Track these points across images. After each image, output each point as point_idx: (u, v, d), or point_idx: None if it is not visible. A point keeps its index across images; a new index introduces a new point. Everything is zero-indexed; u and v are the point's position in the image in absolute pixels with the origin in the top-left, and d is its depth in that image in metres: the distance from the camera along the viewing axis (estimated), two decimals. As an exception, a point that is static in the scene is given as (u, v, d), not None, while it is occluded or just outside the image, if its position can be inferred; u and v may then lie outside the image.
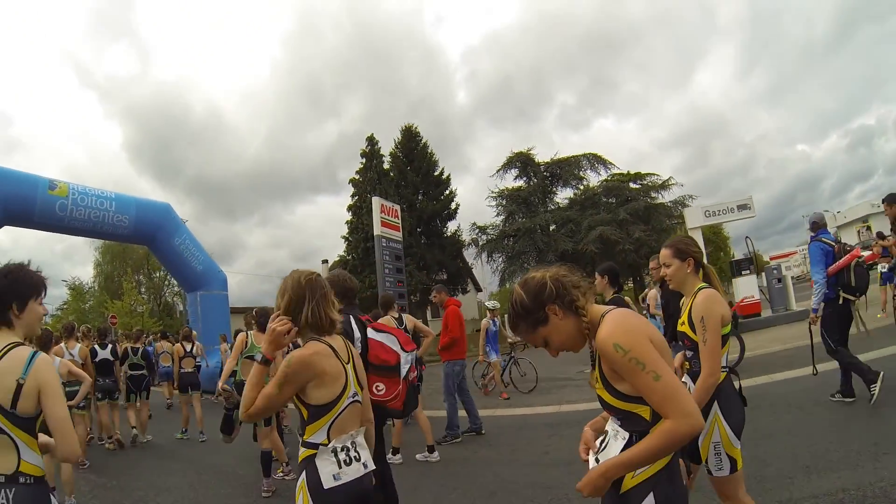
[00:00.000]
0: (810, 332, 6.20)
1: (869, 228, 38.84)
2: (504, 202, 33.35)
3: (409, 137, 34.35)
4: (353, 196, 34.05)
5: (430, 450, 6.45)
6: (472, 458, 6.31)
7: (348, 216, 34.17)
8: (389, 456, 6.41)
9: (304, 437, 2.23)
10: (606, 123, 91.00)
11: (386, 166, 33.87)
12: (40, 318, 2.25)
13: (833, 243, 6.05)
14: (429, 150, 34.53)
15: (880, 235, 9.47)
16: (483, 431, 7.40)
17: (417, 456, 6.44)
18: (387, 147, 34.59)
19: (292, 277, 2.35)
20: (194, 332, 11.27)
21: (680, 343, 2.93)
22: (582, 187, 33.39)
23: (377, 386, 3.51)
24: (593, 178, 33.34)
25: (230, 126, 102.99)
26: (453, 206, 34.29)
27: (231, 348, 13.34)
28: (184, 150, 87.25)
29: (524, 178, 33.74)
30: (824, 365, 6.33)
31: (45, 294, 2.27)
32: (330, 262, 45.09)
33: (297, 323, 2.25)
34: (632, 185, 32.50)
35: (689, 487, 2.61)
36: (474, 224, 33.68)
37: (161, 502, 5.72)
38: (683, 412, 1.52)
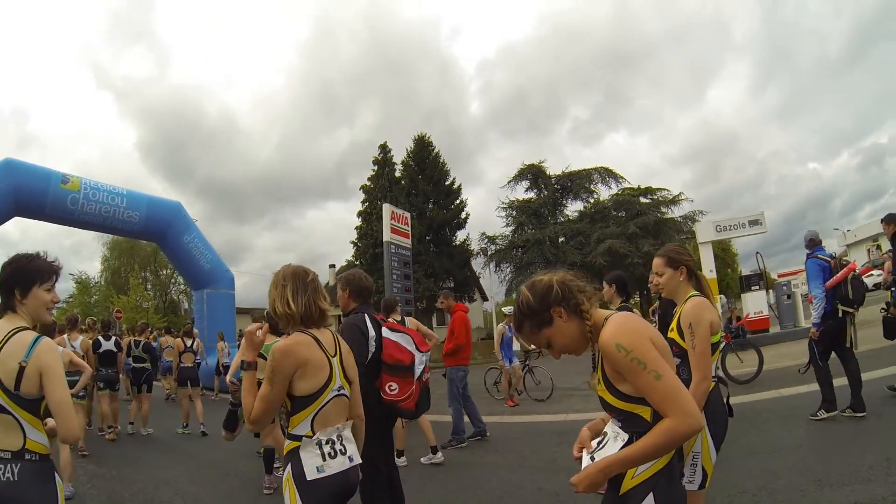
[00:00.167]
0: (811, 347, 6.22)
1: (879, 247, 38.61)
2: (514, 213, 33.37)
3: (422, 147, 34.42)
4: (363, 202, 34.07)
5: (434, 451, 6.37)
6: (478, 463, 6.22)
7: (358, 222, 34.22)
8: (429, 456, 6.38)
9: (289, 428, 2.23)
10: (618, 138, 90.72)
11: (397, 174, 33.92)
12: (47, 305, 2.27)
13: (829, 259, 6.22)
14: (441, 160, 34.58)
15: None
16: (487, 434, 7.31)
17: (422, 459, 6.33)
18: (399, 156, 34.71)
19: (284, 270, 2.37)
20: (195, 330, 11.32)
21: None
22: (592, 200, 33.40)
23: (390, 385, 3.46)
24: (604, 192, 33.40)
25: (243, 130, 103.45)
26: (463, 215, 34.26)
27: (229, 347, 13.35)
28: (196, 152, 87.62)
29: (535, 190, 33.79)
30: (836, 381, 6.23)
31: (54, 281, 2.29)
32: (337, 267, 45.25)
33: (289, 313, 2.26)
34: (642, 199, 32.46)
35: None
36: (483, 234, 33.75)
37: (160, 496, 5.63)
38: (684, 411, 1.53)
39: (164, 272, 44.85)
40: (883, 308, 6.63)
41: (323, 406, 2.21)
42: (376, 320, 3.63)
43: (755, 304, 16.30)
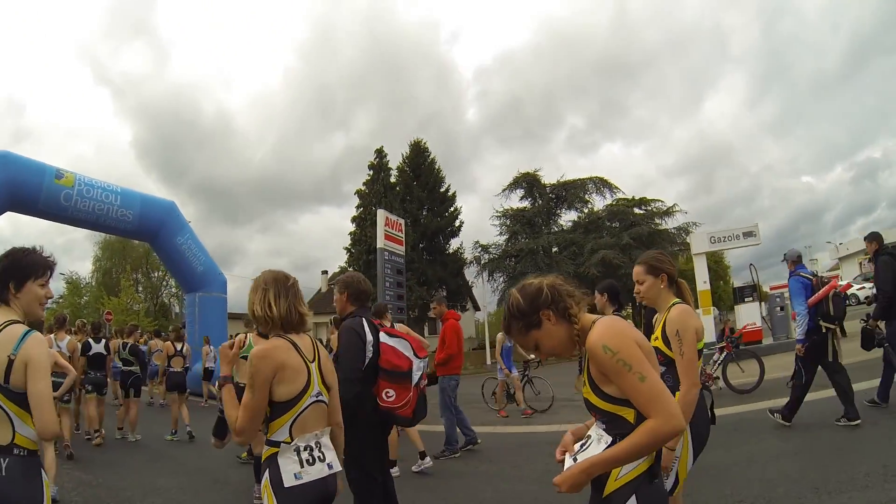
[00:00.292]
0: (797, 362, 6.43)
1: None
2: (508, 222, 33.41)
3: (418, 152, 34.35)
4: (357, 207, 34.03)
5: (422, 456, 6.31)
6: (471, 473, 6.15)
7: (352, 227, 34.11)
8: (418, 464, 6.30)
9: (267, 434, 2.23)
10: (614, 148, 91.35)
11: (393, 180, 33.88)
12: (40, 300, 2.29)
13: (810, 277, 6.51)
14: (436, 166, 34.49)
15: None
16: (479, 441, 7.25)
17: (413, 468, 6.25)
18: (394, 161, 34.69)
19: (265, 275, 2.40)
20: (185, 333, 11.19)
21: None
22: (586, 210, 33.46)
23: (387, 392, 3.39)
24: (598, 202, 33.47)
25: (239, 131, 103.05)
26: (457, 223, 34.16)
27: (215, 351, 13.21)
28: (191, 152, 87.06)
29: (529, 199, 33.82)
30: (829, 391, 6.47)
31: (48, 276, 2.32)
32: (330, 273, 45.11)
33: (270, 316, 2.28)
34: (636, 210, 32.57)
35: None
36: (477, 242, 33.67)
37: None
38: (667, 412, 1.57)
39: (156, 274, 44.59)
40: (863, 319, 6.79)
41: (301, 412, 2.22)
42: (374, 325, 3.56)
43: (748, 315, 16.32)
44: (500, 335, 10.43)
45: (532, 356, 10.64)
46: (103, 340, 8.89)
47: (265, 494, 2.19)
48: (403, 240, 17.31)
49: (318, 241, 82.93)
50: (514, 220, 33.13)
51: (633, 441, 1.60)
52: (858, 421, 5.87)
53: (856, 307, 20.90)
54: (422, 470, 6.21)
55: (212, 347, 14.05)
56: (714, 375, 9.45)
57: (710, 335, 15.04)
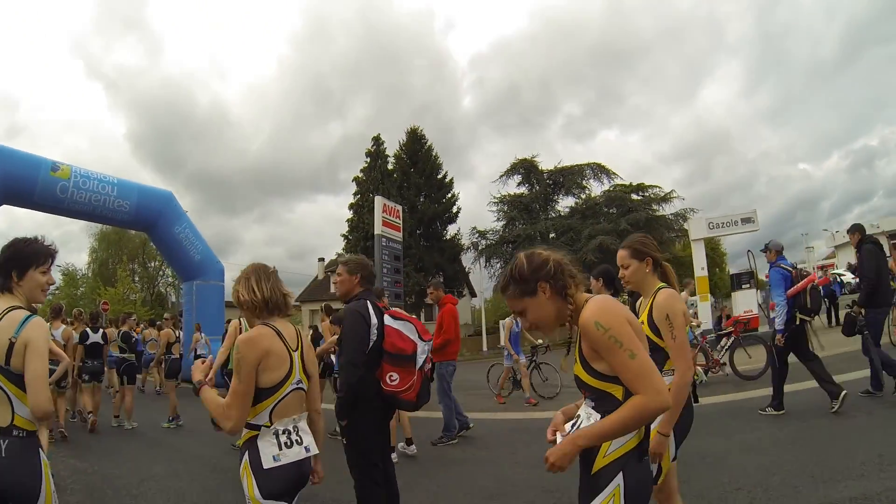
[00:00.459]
0: (773, 352, 6.73)
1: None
2: (505, 208, 33.30)
3: (415, 139, 34.21)
4: (355, 195, 33.96)
5: (409, 442, 6.38)
6: (469, 460, 6.14)
7: (349, 214, 34.09)
8: (403, 445, 6.36)
9: (248, 418, 2.28)
10: (610, 135, 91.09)
11: (390, 167, 33.81)
12: (42, 287, 2.38)
13: (791, 269, 6.69)
14: (433, 153, 34.35)
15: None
16: (472, 425, 7.26)
17: (399, 446, 6.33)
18: (391, 149, 34.61)
19: (248, 266, 2.54)
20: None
21: None
22: (584, 196, 33.34)
23: (391, 376, 3.35)
24: (596, 188, 33.34)
25: (234, 122, 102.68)
26: (455, 209, 34.13)
27: (206, 338, 13.12)
28: (187, 143, 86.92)
29: (527, 185, 33.71)
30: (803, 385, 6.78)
31: (50, 264, 2.41)
32: (327, 261, 45.04)
33: (254, 299, 2.37)
34: (634, 196, 32.41)
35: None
36: (474, 228, 33.60)
37: (145, 491, 5.48)
38: (655, 389, 1.61)
39: (153, 264, 44.52)
40: (848, 305, 6.98)
41: (282, 398, 2.29)
42: (378, 308, 3.52)
43: (745, 302, 16.32)
44: (507, 320, 10.17)
45: (540, 341, 10.61)
46: (101, 330, 8.92)
47: (244, 476, 2.25)
48: (401, 226, 17.29)
49: (314, 230, 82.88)
50: (512, 206, 33.03)
51: (621, 415, 1.64)
52: (844, 392, 6.09)
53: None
54: (405, 453, 6.31)
55: (202, 334, 14.01)
56: (721, 361, 9.42)
57: (706, 321, 15.09)
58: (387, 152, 34.12)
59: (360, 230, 31.50)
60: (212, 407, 2.27)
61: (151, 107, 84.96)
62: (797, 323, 6.46)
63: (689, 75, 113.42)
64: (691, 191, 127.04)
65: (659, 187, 32.33)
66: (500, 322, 28.73)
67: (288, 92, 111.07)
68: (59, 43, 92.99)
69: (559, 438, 1.85)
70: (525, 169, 33.07)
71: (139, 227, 17.10)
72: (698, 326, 10.66)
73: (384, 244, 15.65)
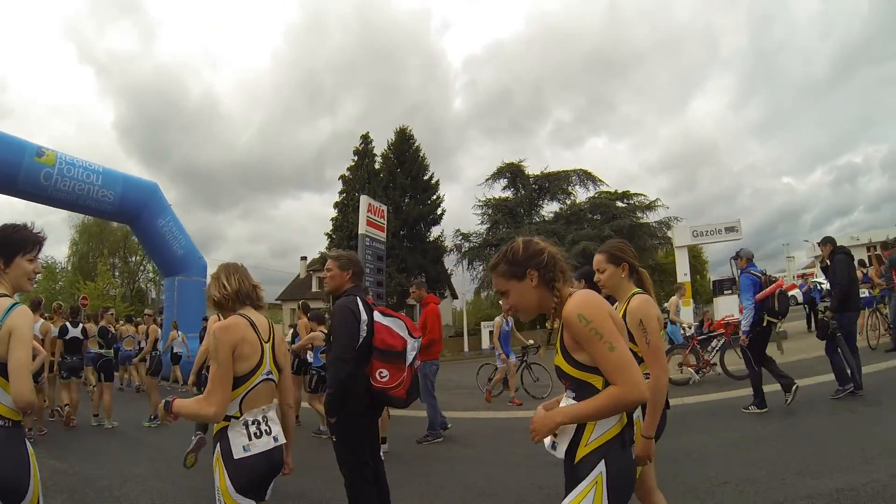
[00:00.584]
0: (745, 352, 7.06)
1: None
2: (490, 211, 33.41)
3: (403, 139, 34.22)
4: (341, 193, 33.82)
5: (383, 440, 6.31)
6: (455, 458, 6.14)
7: (333, 213, 33.97)
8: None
9: None
10: (599, 143, 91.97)
11: (377, 167, 33.71)
12: (28, 275, 2.34)
13: (760, 275, 7.05)
14: (420, 154, 34.42)
15: (866, 262, 10.08)
16: (449, 426, 7.26)
17: None
18: (379, 148, 34.55)
19: (218, 267, 2.63)
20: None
21: None
22: (569, 202, 33.54)
23: (381, 372, 3.32)
24: (581, 194, 33.57)
25: (224, 114, 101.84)
26: (439, 211, 34.19)
27: (183, 336, 12.91)
28: (175, 134, 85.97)
29: (512, 189, 33.85)
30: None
31: (37, 251, 2.37)
32: (309, 259, 44.76)
33: (226, 293, 2.48)
34: (619, 203, 32.66)
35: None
36: (458, 231, 33.67)
37: (127, 492, 5.34)
38: (631, 382, 1.66)
39: (134, 259, 44.01)
40: (821, 311, 7.36)
41: (252, 388, 2.35)
42: (368, 304, 3.48)
43: (727, 307, 16.53)
44: (497, 318, 10.06)
45: (531, 341, 10.56)
46: (80, 325, 8.76)
47: (216, 467, 2.29)
48: (385, 227, 17.19)
49: (297, 228, 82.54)
50: (497, 209, 33.15)
51: (596, 403, 1.71)
52: (796, 385, 6.56)
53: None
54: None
55: (179, 332, 13.83)
56: (712, 362, 9.52)
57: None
58: (374, 151, 34.06)
59: (344, 229, 31.37)
60: (190, 407, 2.30)
61: (142, 95, 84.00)
62: (765, 324, 6.85)
63: (681, 87, 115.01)
64: (676, 200, 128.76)
65: (644, 195, 32.70)
66: (482, 324, 28.84)
67: (280, 86, 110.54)
68: (52, 24, 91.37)
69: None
70: (511, 173, 33.22)
71: (122, 218, 16.81)
72: (690, 328, 10.77)
73: (368, 244, 15.53)
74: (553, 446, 1.87)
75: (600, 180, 33.11)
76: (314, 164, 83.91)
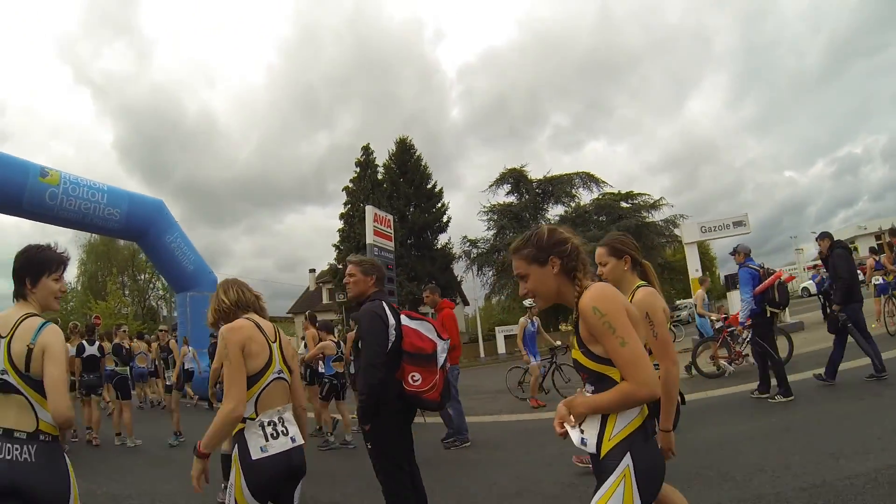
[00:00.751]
0: (756, 344, 7.33)
1: (856, 249, 39.80)
2: (495, 217, 33.44)
3: (404, 149, 34.36)
4: (345, 204, 33.90)
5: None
6: (485, 462, 6.10)
7: (338, 225, 34.08)
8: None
9: None
10: (598, 146, 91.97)
11: (380, 177, 33.79)
12: (55, 293, 2.42)
13: (758, 268, 7.42)
14: (422, 163, 34.57)
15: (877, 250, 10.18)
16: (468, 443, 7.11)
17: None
18: (380, 159, 34.69)
19: (218, 284, 2.77)
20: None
21: None
22: (573, 205, 33.53)
23: (413, 376, 3.26)
24: (585, 197, 33.57)
25: (223, 132, 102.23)
26: (445, 218, 34.26)
27: (194, 352, 12.90)
28: (175, 152, 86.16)
29: (516, 195, 33.89)
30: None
31: (62, 271, 2.45)
32: (318, 272, 44.84)
33: (225, 306, 2.60)
34: (623, 204, 32.73)
35: None
36: (465, 237, 33.69)
37: (156, 511, 5.30)
38: (640, 380, 1.67)
39: (143, 277, 44.10)
40: (827, 304, 7.39)
41: (265, 387, 2.41)
42: (394, 308, 3.44)
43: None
44: (522, 319, 9.77)
45: (559, 343, 10.41)
46: (97, 342, 8.78)
47: (234, 468, 2.32)
48: (392, 236, 17.21)
49: (303, 241, 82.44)
50: (502, 214, 33.18)
51: (610, 396, 1.74)
52: (792, 397, 6.63)
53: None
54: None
55: (190, 348, 13.81)
56: (744, 353, 9.48)
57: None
58: (376, 162, 34.17)
59: (351, 240, 31.40)
60: (212, 429, 2.29)
61: (140, 114, 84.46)
62: (767, 315, 7.17)
63: (677, 87, 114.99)
64: (679, 199, 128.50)
65: (648, 195, 32.80)
66: (497, 328, 28.78)
67: (277, 101, 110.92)
68: (46, 47, 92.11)
69: (568, 429, 1.88)
70: (514, 178, 33.27)
71: (130, 236, 16.74)
72: (719, 321, 10.71)
73: (376, 253, 15.53)
74: (583, 441, 1.85)
75: (603, 181, 33.20)
76: (315, 178, 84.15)
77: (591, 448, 1.81)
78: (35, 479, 2.10)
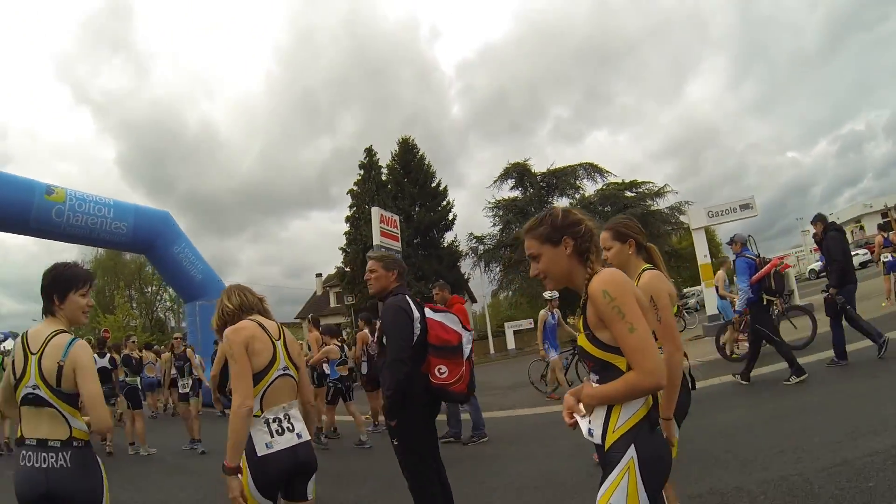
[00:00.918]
0: (754, 332, 7.38)
1: (862, 228, 39.63)
2: (501, 212, 33.25)
3: (407, 149, 34.28)
4: (351, 207, 33.84)
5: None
6: (504, 456, 6.09)
7: (343, 229, 34.02)
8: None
9: None
10: (600, 136, 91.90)
11: (384, 178, 33.76)
12: (82, 309, 2.51)
13: (754, 258, 7.67)
14: (426, 162, 34.45)
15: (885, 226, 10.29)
16: (460, 439, 7.09)
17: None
18: (383, 160, 34.57)
19: (222, 292, 2.82)
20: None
21: None
22: (578, 196, 33.37)
23: (439, 369, 3.23)
24: (589, 188, 33.37)
25: (224, 142, 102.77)
26: (450, 216, 34.16)
27: (202, 361, 12.88)
28: (177, 165, 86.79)
29: (521, 189, 33.72)
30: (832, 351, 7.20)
31: (88, 286, 2.54)
32: (325, 276, 44.89)
33: (229, 310, 2.64)
34: (627, 193, 32.49)
35: None
36: (471, 234, 33.58)
37: (175, 520, 5.29)
38: (647, 369, 1.64)
39: (150, 289, 44.32)
40: (823, 289, 7.61)
41: (270, 384, 2.45)
42: (417, 302, 3.41)
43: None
44: (542, 312, 9.55)
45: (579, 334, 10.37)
46: (107, 355, 8.82)
47: (242, 465, 2.36)
48: (399, 236, 17.18)
49: (309, 246, 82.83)
50: (507, 209, 33.00)
51: (615, 386, 1.70)
52: (805, 374, 6.65)
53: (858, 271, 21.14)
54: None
55: (197, 356, 13.81)
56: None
57: (712, 307, 15.06)
58: (380, 163, 34.09)
59: (358, 242, 31.36)
60: (231, 438, 2.30)
61: (140, 129, 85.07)
62: (764, 303, 7.37)
63: (675, 72, 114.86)
64: (683, 185, 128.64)
65: (652, 183, 32.50)
66: (506, 324, 28.74)
67: (276, 109, 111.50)
68: (45, 69, 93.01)
69: (581, 421, 1.86)
70: (518, 173, 33.10)
71: (137, 248, 16.88)
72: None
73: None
74: (590, 433, 1.83)
75: (607, 171, 32.93)
76: (318, 183, 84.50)
77: (598, 439, 1.79)
78: (70, 483, 2.23)
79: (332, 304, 41.62)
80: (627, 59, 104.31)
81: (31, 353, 2.32)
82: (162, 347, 16.12)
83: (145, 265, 40.81)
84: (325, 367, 8.17)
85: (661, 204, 31.74)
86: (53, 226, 13.20)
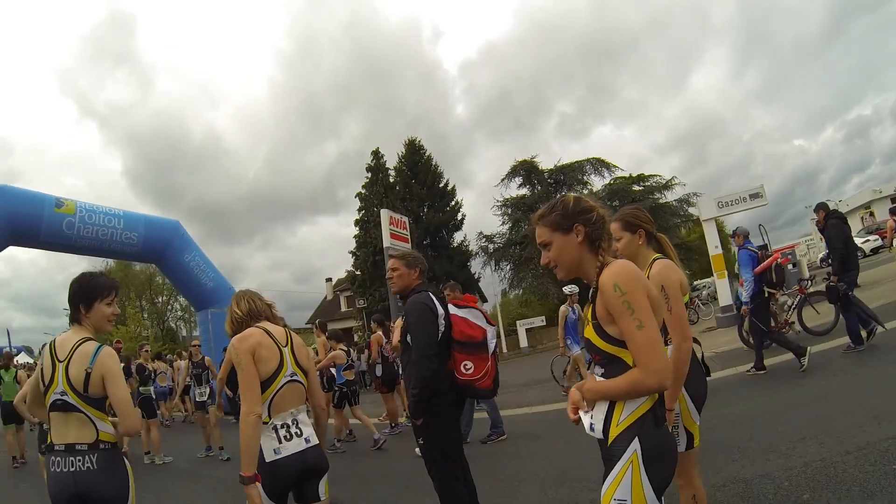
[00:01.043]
0: (753, 322, 7.61)
1: (872, 214, 39.23)
2: (510, 210, 33.24)
3: (413, 151, 34.32)
4: (359, 210, 33.78)
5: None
6: (524, 452, 6.08)
7: (352, 233, 33.97)
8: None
9: None
10: (605, 130, 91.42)
11: (391, 180, 33.75)
12: (108, 317, 2.58)
13: (756, 250, 7.81)
14: (433, 163, 34.47)
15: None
16: (468, 440, 6.94)
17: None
18: (390, 163, 34.54)
19: (232, 298, 2.85)
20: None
21: None
22: (586, 192, 33.26)
23: (465, 364, 3.22)
24: (597, 183, 33.30)
25: (229, 150, 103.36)
26: (459, 216, 34.15)
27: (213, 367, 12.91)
28: (184, 175, 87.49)
29: (528, 186, 33.68)
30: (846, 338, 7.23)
31: (114, 295, 2.61)
32: (334, 280, 44.98)
33: (238, 316, 2.66)
34: (635, 187, 32.46)
35: None
36: (481, 233, 33.58)
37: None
38: (651, 368, 1.61)
39: (161, 299, 44.51)
40: (825, 277, 7.79)
41: (278, 390, 2.47)
42: (441, 298, 3.39)
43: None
44: (562, 308, 9.42)
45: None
46: (122, 365, 8.80)
47: None
48: (409, 237, 17.18)
49: (318, 251, 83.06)
50: (516, 207, 32.97)
51: (618, 383, 1.68)
52: (808, 348, 6.84)
53: (861, 260, 20.94)
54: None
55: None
56: (790, 321, 9.39)
57: (725, 298, 14.98)
58: (387, 166, 34.06)
59: (368, 245, 31.35)
60: (243, 445, 2.30)
61: (146, 140, 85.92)
62: (765, 296, 7.54)
63: (678, 63, 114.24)
64: (690, 177, 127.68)
65: (659, 176, 32.48)
66: (518, 322, 28.70)
67: (281, 114, 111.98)
68: (50, 85, 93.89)
69: (581, 415, 1.84)
70: (526, 170, 33.06)
71: (148, 258, 17.00)
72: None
73: (393, 256, 15.54)
74: (591, 428, 1.80)
75: (614, 166, 32.90)
76: (325, 187, 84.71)
77: (599, 434, 1.77)
78: (97, 484, 2.32)
79: (343, 308, 41.69)
80: (630, 52, 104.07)
81: (59, 361, 2.40)
82: (174, 356, 16.18)
83: (156, 275, 41.04)
84: (333, 371, 8.23)
85: (670, 197, 31.72)
86: (64, 238, 13.30)
